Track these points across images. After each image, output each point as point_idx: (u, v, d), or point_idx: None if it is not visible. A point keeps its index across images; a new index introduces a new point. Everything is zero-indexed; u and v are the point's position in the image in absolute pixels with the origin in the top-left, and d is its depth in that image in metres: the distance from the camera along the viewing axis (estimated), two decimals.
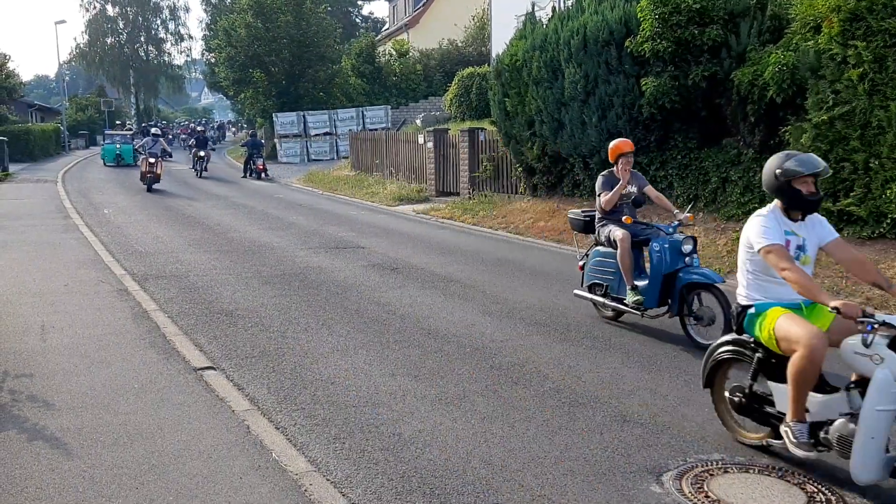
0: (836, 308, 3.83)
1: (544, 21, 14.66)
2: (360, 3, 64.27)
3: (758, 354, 4.46)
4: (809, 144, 9.40)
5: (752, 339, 4.49)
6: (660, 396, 5.52)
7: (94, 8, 66.33)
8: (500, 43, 18.17)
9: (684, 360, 6.37)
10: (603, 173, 7.36)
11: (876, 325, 3.78)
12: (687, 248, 6.79)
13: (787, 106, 10.05)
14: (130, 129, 45.85)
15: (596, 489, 4.12)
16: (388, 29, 49.82)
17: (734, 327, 4.65)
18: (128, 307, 8.04)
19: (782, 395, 4.25)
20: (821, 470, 4.38)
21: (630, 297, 6.95)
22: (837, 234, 4.49)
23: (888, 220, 8.86)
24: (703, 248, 10.41)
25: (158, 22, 69.81)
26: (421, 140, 20.28)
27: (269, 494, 4.01)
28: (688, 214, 7.09)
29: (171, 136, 46.39)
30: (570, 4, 14.33)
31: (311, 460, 4.44)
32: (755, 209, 11.51)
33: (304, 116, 32.86)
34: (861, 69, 8.82)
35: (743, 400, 4.57)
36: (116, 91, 68.04)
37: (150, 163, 20.94)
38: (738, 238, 10.24)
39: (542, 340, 6.93)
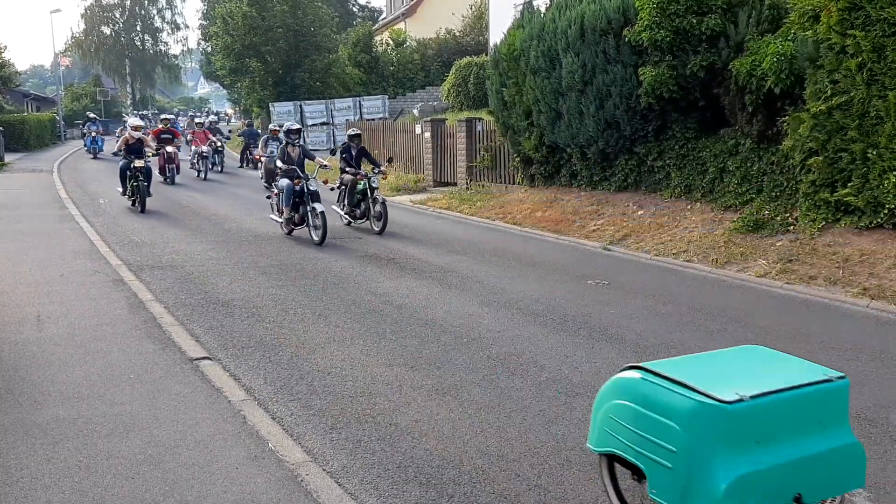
0: None
1: (542, 10, 14.60)
2: None
3: None
4: (807, 134, 9.38)
5: None
6: None
7: None
8: (497, 32, 18.09)
9: (681, 350, 6.37)
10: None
11: None
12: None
13: (786, 96, 10.03)
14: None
15: (592, 479, 4.11)
16: (385, 18, 49.57)
17: None
18: (123, 297, 8.01)
19: None
20: None
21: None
22: None
23: (886, 210, 8.85)
24: (700, 239, 10.42)
25: (154, 11, 69.61)
26: (418, 130, 20.22)
27: (266, 485, 4.01)
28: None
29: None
30: None
31: (307, 450, 4.44)
32: (752, 199, 11.61)
33: (300, 106, 32.72)
34: (860, 59, 8.79)
35: None
36: (112, 81, 67.75)
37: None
38: (735, 228, 10.28)
39: (538, 330, 6.93)
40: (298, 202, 11.53)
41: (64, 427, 4.69)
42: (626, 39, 11.85)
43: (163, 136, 20.43)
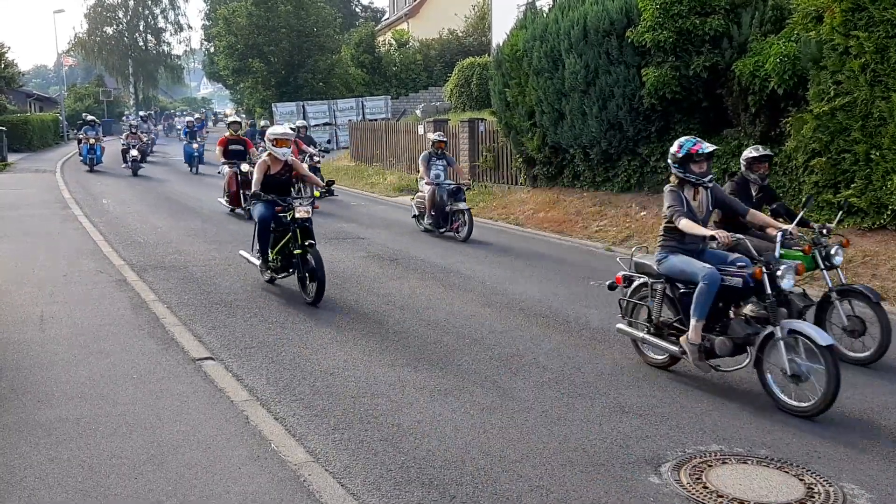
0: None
1: (545, 11, 14.60)
2: None
3: None
4: (811, 135, 9.37)
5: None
6: (658, 388, 5.52)
7: None
8: (500, 33, 18.09)
9: None
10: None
11: None
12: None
13: (789, 97, 10.02)
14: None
15: (594, 480, 4.12)
16: (387, 19, 49.64)
17: None
18: (126, 297, 8.03)
19: None
20: (819, 460, 4.38)
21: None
22: None
23: (889, 212, 8.83)
24: None
25: (158, 11, 69.63)
26: (421, 130, 20.22)
27: (268, 485, 4.01)
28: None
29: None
30: None
31: (309, 451, 4.44)
32: None
33: (303, 107, 32.78)
34: (863, 60, 8.78)
35: None
36: (115, 81, 67.87)
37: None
38: None
39: (541, 331, 6.93)
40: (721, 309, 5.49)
41: (67, 427, 4.70)
42: (629, 40, 11.85)
43: (231, 146, 14.85)
